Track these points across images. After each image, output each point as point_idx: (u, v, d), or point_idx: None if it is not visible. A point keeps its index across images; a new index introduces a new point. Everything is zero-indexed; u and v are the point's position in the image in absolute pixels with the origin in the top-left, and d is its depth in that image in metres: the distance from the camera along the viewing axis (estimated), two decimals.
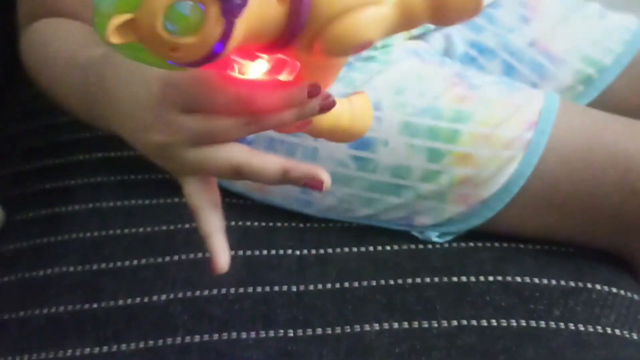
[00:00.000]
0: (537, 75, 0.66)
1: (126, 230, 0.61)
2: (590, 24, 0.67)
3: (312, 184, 0.39)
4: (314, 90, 0.37)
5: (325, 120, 0.41)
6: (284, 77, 0.38)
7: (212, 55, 0.32)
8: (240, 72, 0.37)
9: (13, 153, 0.75)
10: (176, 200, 0.64)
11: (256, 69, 0.37)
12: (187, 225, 0.61)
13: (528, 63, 0.66)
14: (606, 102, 0.65)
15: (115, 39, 0.31)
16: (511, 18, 0.68)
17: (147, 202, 0.65)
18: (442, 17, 0.34)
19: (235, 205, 0.63)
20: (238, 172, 0.39)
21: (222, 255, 0.40)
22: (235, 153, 0.39)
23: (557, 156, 0.54)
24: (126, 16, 0.30)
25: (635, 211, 0.53)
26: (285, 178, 0.38)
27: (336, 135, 0.42)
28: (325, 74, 0.39)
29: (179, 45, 0.31)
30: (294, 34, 0.34)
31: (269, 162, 0.39)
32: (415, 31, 0.64)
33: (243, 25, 0.32)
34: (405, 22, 0.34)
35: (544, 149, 0.54)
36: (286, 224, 0.61)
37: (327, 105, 0.38)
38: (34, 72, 0.55)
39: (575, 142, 0.54)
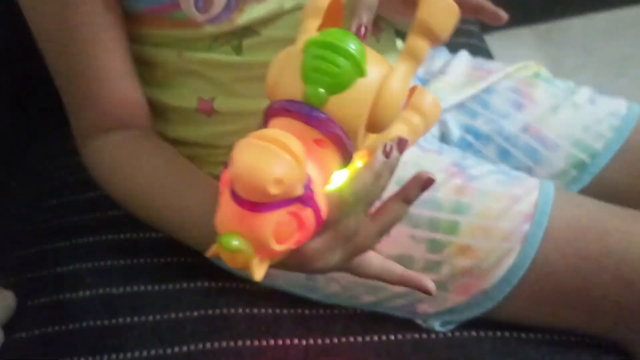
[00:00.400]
0: (532, 160, 0.68)
1: (135, 319, 0.62)
2: (581, 110, 0.70)
3: (421, 290, 0.47)
4: (389, 150, 0.43)
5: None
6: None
7: (317, 230, 0.41)
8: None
9: (24, 234, 0.77)
10: (184, 285, 0.66)
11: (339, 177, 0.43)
12: (194, 313, 0.62)
13: (522, 148, 0.69)
14: (600, 186, 0.67)
15: (260, 276, 0.38)
16: (505, 104, 0.71)
17: (155, 287, 0.66)
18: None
19: (242, 290, 0.65)
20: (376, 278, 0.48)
21: (425, 279, 0.47)
22: (374, 260, 0.48)
23: (554, 248, 0.56)
24: (254, 260, 0.37)
25: (631, 302, 0.55)
26: (401, 284, 0.48)
27: (417, 139, 0.47)
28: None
29: (294, 243, 0.39)
30: (351, 155, 0.40)
31: (392, 269, 0.48)
32: None
33: (320, 190, 0.40)
34: (416, 67, 0.41)
35: (540, 241, 0.56)
36: (292, 311, 0.62)
37: (403, 145, 0.44)
38: (115, 192, 0.60)
39: (570, 234, 0.56)
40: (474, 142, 0.70)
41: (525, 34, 1.77)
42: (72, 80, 0.59)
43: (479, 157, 0.68)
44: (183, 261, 0.67)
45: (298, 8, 0.61)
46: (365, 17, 0.42)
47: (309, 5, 0.44)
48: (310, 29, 0.42)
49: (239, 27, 0.59)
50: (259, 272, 0.38)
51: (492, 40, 1.78)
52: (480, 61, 0.79)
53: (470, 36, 1.10)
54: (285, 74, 0.39)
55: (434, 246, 0.57)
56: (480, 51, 1.06)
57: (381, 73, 0.39)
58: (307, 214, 0.38)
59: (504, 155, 0.69)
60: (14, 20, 0.62)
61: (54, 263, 0.71)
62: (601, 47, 1.67)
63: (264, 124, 0.41)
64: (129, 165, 0.58)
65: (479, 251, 0.56)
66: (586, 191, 0.67)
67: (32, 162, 0.89)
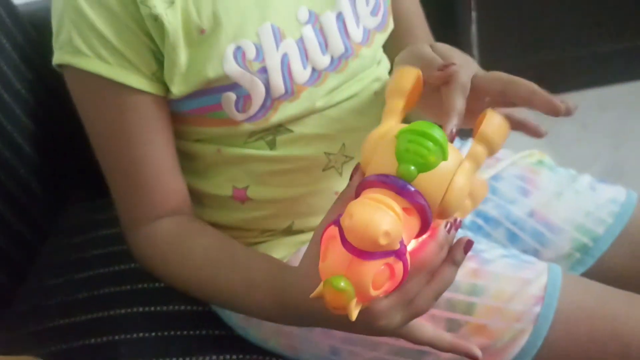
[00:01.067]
0: (538, 243, 0.74)
1: None
2: (582, 196, 0.76)
3: (470, 356, 0.53)
4: (450, 228, 0.50)
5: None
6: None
7: (401, 283, 0.47)
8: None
9: (57, 307, 0.80)
10: (213, 357, 0.70)
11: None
12: None
13: (529, 232, 0.74)
14: (603, 269, 0.72)
15: (355, 316, 0.44)
16: (512, 190, 0.77)
17: (187, 359, 0.70)
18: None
19: None
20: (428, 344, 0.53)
21: (473, 346, 0.53)
22: (427, 326, 0.53)
23: (563, 329, 0.61)
24: (353, 301, 0.43)
25: None
26: (452, 351, 0.53)
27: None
28: None
29: (384, 292, 0.45)
30: (429, 226, 0.47)
31: (444, 336, 0.53)
32: None
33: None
34: (478, 167, 0.48)
35: (551, 322, 0.61)
36: None
37: (459, 225, 0.50)
38: (171, 274, 0.65)
39: (579, 316, 0.61)
40: (484, 225, 0.75)
41: (525, 109, 1.85)
42: (126, 176, 0.64)
43: (490, 240, 0.73)
44: (217, 334, 0.71)
45: (328, 106, 0.67)
46: (456, 124, 0.52)
47: (392, 85, 0.53)
48: (396, 109, 0.51)
49: (273, 125, 0.65)
50: (355, 312, 0.44)
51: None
52: None
53: None
54: (380, 154, 0.47)
55: (452, 325, 0.62)
56: None
57: (456, 161, 0.48)
58: (399, 267, 0.45)
59: (513, 238, 0.74)
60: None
61: (88, 334, 0.75)
62: (594, 121, 1.75)
63: (358, 193, 0.48)
64: (184, 246, 0.63)
65: (494, 331, 0.61)
66: (590, 273, 0.72)
67: (60, 234, 0.93)
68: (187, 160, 0.68)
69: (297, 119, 0.66)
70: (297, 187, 0.68)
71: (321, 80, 0.65)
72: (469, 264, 0.64)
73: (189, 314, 0.74)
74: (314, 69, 0.65)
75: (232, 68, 0.61)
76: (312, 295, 0.45)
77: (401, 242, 0.44)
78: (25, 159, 0.87)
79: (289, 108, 0.64)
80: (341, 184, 0.69)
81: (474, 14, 1.80)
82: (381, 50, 0.74)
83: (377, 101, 0.71)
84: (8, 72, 0.86)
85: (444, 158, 0.46)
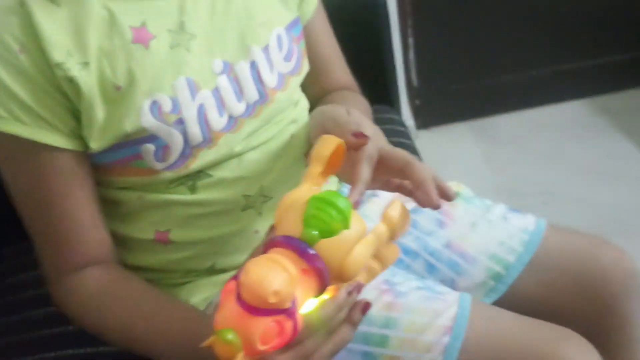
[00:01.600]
0: (455, 273, 0.77)
1: None
2: (495, 226, 0.80)
3: None
4: (352, 291, 0.53)
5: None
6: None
7: (290, 341, 0.49)
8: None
9: None
10: None
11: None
12: None
13: (446, 262, 0.78)
14: (515, 296, 0.76)
15: None
16: (429, 222, 0.80)
17: None
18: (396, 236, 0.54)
19: None
20: None
21: None
22: None
23: (471, 358, 0.64)
24: (240, 354, 0.46)
25: None
26: None
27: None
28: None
29: (271, 348, 0.48)
30: (326, 288, 0.50)
31: None
32: None
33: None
34: (378, 244, 0.52)
35: (459, 352, 0.64)
36: None
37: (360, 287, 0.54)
38: (93, 323, 0.66)
39: (485, 345, 0.65)
40: (404, 257, 0.79)
41: (463, 129, 1.91)
42: (47, 231, 0.65)
43: (409, 272, 0.77)
44: None
45: (246, 150, 0.70)
46: (362, 192, 0.56)
47: (312, 151, 0.57)
48: (313, 175, 0.55)
49: (193, 171, 0.67)
50: None
51: (433, 135, 1.92)
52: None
53: (401, 136, 1.18)
54: (289, 217, 0.51)
55: (367, 358, 0.65)
56: (410, 149, 1.14)
57: (359, 231, 0.51)
58: (289, 324, 0.48)
59: (431, 269, 0.78)
60: None
61: None
62: (529, 142, 1.81)
63: (265, 250, 0.51)
64: (105, 297, 0.65)
65: None
66: (504, 300, 0.76)
67: None
68: (110, 207, 0.69)
69: (217, 164, 0.68)
70: (217, 228, 0.70)
71: (237, 126, 0.68)
72: (384, 298, 0.67)
73: (116, 355, 0.75)
74: (230, 116, 0.67)
75: (149, 121, 0.63)
76: (203, 344, 0.47)
77: (293, 302, 0.47)
78: None
79: (208, 154, 0.67)
80: (260, 223, 0.71)
81: (411, 40, 1.87)
82: (298, 91, 0.77)
83: (294, 143, 0.74)
84: None
85: (346, 227, 0.50)
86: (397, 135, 1.18)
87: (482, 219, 0.80)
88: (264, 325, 0.46)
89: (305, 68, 0.76)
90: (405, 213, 0.54)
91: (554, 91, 1.92)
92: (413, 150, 1.15)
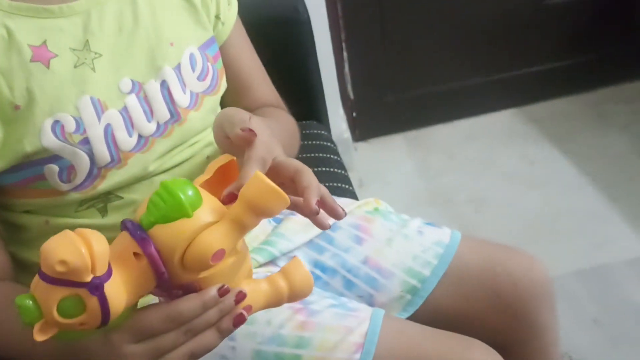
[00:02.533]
0: (372, 288, 0.79)
1: None
2: (411, 240, 0.81)
3: None
4: (223, 291, 0.51)
5: (261, 300, 0.54)
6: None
7: (105, 321, 0.48)
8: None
9: None
10: None
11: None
12: None
13: (363, 278, 0.79)
14: (431, 309, 0.78)
15: (40, 337, 0.47)
16: (347, 239, 0.81)
17: None
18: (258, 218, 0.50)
19: None
20: None
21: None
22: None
23: None
24: (40, 321, 0.46)
25: None
26: None
27: (282, 302, 0.55)
28: (226, 279, 0.52)
29: (78, 323, 0.47)
30: (164, 277, 0.49)
31: None
32: (261, 258, 0.76)
33: (118, 290, 0.48)
34: (241, 230, 0.50)
35: None
36: None
37: (240, 297, 0.51)
38: None
39: (395, 358, 0.66)
40: (322, 275, 0.80)
41: (398, 140, 1.95)
42: None
43: (326, 289, 0.78)
44: None
45: (159, 172, 0.69)
46: (236, 190, 0.52)
47: (209, 165, 0.56)
48: (197, 181, 0.54)
49: (102, 192, 0.66)
50: (39, 334, 0.47)
51: (370, 147, 1.95)
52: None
53: (328, 152, 1.19)
54: (144, 202, 0.51)
55: None
56: (337, 165, 1.16)
57: (207, 221, 0.50)
58: (93, 301, 0.47)
59: (349, 285, 0.79)
60: None
61: None
62: (461, 151, 1.86)
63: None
64: None
65: None
66: (420, 314, 0.78)
67: None
68: (14, 231, 0.68)
69: (127, 185, 0.68)
70: None
71: (148, 146, 0.68)
72: (297, 317, 0.68)
73: None
74: (140, 136, 0.67)
75: (50, 141, 0.62)
76: (16, 302, 0.48)
77: (101, 278, 0.47)
78: None
79: (118, 175, 0.66)
80: None
81: (345, 54, 1.89)
82: (215, 112, 0.77)
83: None
84: None
85: (185, 215, 0.49)
86: (325, 151, 1.19)
87: (398, 234, 0.82)
88: (59, 295, 0.46)
89: (222, 87, 0.76)
90: (306, 273, 0.54)
91: (483, 101, 1.98)
92: (340, 166, 1.16)
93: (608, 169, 1.70)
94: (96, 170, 0.65)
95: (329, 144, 1.22)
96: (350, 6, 1.79)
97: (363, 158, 1.91)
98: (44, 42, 0.63)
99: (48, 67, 0.62)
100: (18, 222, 0.68)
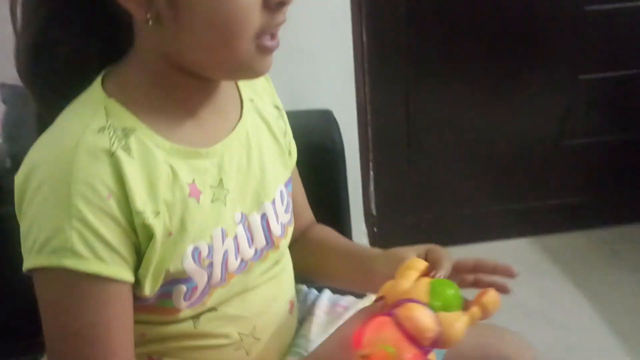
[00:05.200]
0: None
1: None
2: None
3: None
4: None
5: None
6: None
7: None
8: None
9: None
10: None
11: None
12: None
13: None
14: None
15: None
16: None
17: None
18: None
19: None
20: None
21: None
22: None
23: None
24: None
25: None
26: None
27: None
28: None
29: None
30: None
31: None
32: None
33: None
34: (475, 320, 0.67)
35: None
36: None
37: None
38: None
39: None
40: None
41: None
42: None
43: None
44: None
45: (252, 288, 0.78)
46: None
47: (407, 263, 0.71)
48: (412, 276, 0.69)
49: (207, 308, 0.74)
50: None
51: None
52: (338, 297, 0.98)
53: None
54: (414, 289, 0.66)
55: None
56: None
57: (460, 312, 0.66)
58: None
59: None
60: None
61: None
62: None
63: (386, 311, 0.65)
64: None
65: None
66: None
67: None
68: None
69: (225, 300, 0.76)
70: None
71: (248, 268, 0.77)
72: None
73: None
74: (242, 260, 0.76)
75: (189, 265, 0.70)
76: (361, 354, 0.62)
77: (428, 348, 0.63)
78: None
79: (221, 293, 0.75)
80: None
81: (371, 174, 2.00)
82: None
83: (284, 287, 0.84)
84: None
85: (460, 307, 0.66)
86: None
87: None
88: (412, 353, 0.61)
89: (293, 219, 0.87)
90: (496, 299, 0.69)
91: (499, 228, 2.04)
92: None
93: (619, 307, 1.73)
94: (208, 288, 0.73)
95: None
96: (379, 130, 1.92)
97: None
98: (194, 181, 0.71)
99: (199, 202, 0.71)
100: None
